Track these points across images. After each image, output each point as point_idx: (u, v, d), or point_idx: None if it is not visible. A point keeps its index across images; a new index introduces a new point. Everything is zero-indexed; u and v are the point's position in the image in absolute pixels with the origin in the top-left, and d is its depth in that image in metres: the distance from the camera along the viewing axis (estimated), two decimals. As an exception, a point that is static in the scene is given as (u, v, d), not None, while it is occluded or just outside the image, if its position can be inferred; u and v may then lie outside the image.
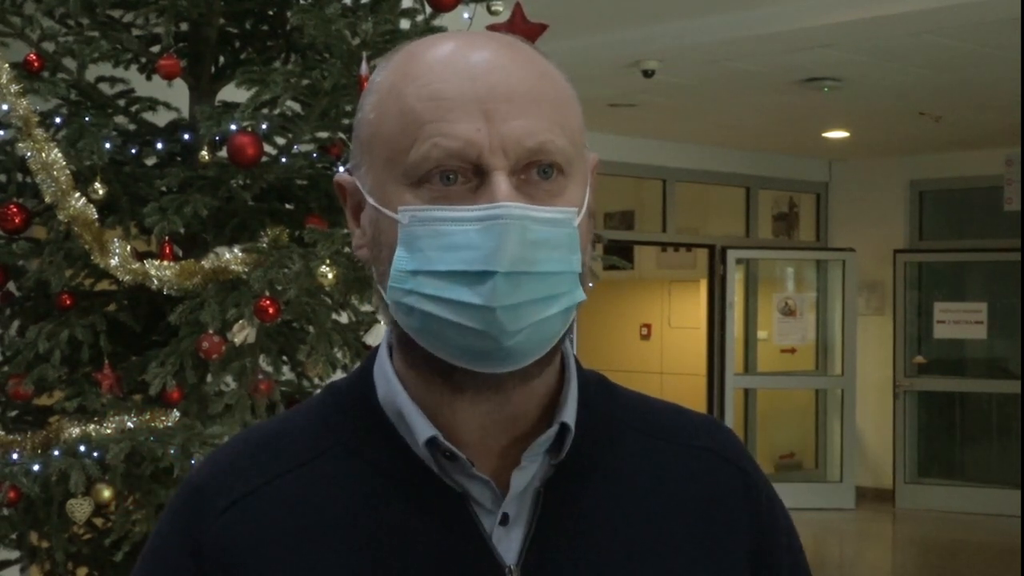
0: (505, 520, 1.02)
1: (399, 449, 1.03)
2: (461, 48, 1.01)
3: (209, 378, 2.67)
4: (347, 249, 2.44)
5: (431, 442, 1.01)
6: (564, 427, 1.04)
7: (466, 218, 0.96)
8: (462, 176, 0.97)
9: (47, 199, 2.57)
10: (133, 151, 2.82)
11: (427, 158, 0.97)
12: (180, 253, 2.81)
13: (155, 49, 2.88)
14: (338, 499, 1.03)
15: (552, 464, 1.04)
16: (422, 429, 1.02)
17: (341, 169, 1.11)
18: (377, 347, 1.09)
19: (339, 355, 2.72)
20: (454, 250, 0.96)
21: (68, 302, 2.75)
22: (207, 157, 2.68)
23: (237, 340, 2.53)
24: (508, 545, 1.02)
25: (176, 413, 2.63)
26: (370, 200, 1.02)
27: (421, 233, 0.97)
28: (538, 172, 0.98)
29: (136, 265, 2.57)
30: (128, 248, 2.60)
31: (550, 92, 1.01)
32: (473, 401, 1.02)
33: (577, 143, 1.02)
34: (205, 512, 1.04)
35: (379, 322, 2.81)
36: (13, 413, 2.89)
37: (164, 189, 2.78)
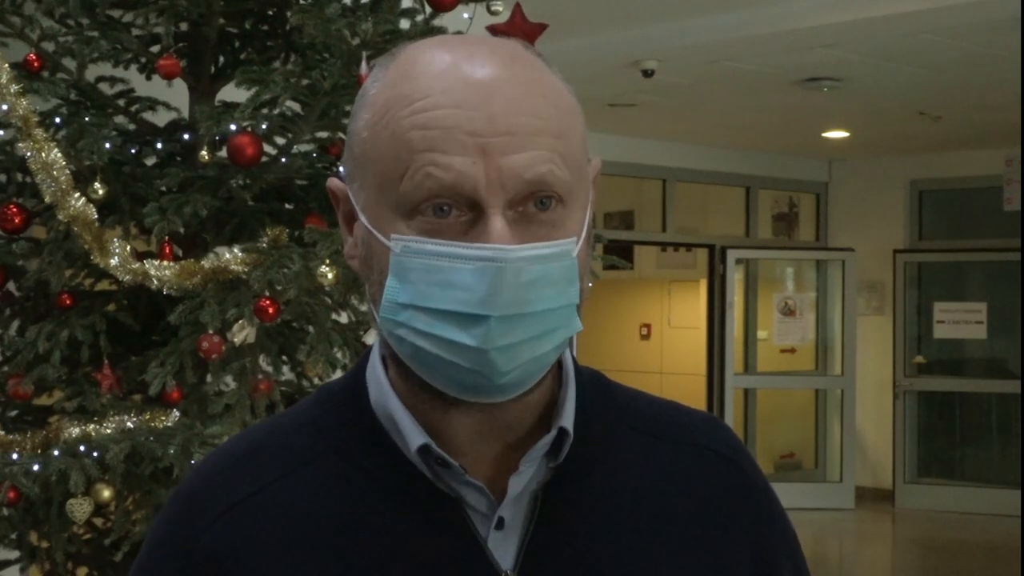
0: (501, 524, 1.01)
1: (392, 454, 1.02)
2: (459, 64, 0.96)
3: (209, 378, 2.67)
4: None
5: (423, 449, 1.00)
6: (562, 431, 1.02)
7: (460, 256, 0.93)
8: (456, 209, 0.94)
9: (47, 199, 2.57)
10: (133, 151, 2.82)
11: (420, 188, 0.94)
12: (180, 253, 2.81)
13: (155, 49, 2.88)
14: (331, 505, 1.01)
15: (550, 467, 1.03)
16: (414, 437, 1.00)
17: (342, 169, 1.09)
18: (369, 350, 1.08)
19: (339, 355, 2.72)
20: (447, 288, 0.93)
21: (68, 302, 2.75)
22: (207, 157, 2.68)
23: (237, 340, 2.53)
24: (505, 550, 1.01)
25: (176, 413, 2.63)
26: (363, 218, 1.00)
27: (414, 266, 0.95)
28: (536, 203, 0.95)
29: (136, 265, 2.57)
30: (128, 248, 2.60)
31: (552, 117, 0.96)
32: (466, 413, 1.00)
33: (579, 166, 0.99)
34: (197, 521, 1.03)
35: (379, 322, 2.81)
36: (13, 413, 2.89)
37: (164, 189, 2.78)
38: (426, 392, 1.00)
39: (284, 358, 2.94)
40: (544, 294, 0.95)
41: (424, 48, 1.00)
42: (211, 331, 2.53)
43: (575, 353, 1.12)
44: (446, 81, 0.95)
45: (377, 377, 1.05)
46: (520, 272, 0.93)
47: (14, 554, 2.92)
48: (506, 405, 0.99)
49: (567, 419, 1.03)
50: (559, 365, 1.06)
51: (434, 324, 0.94)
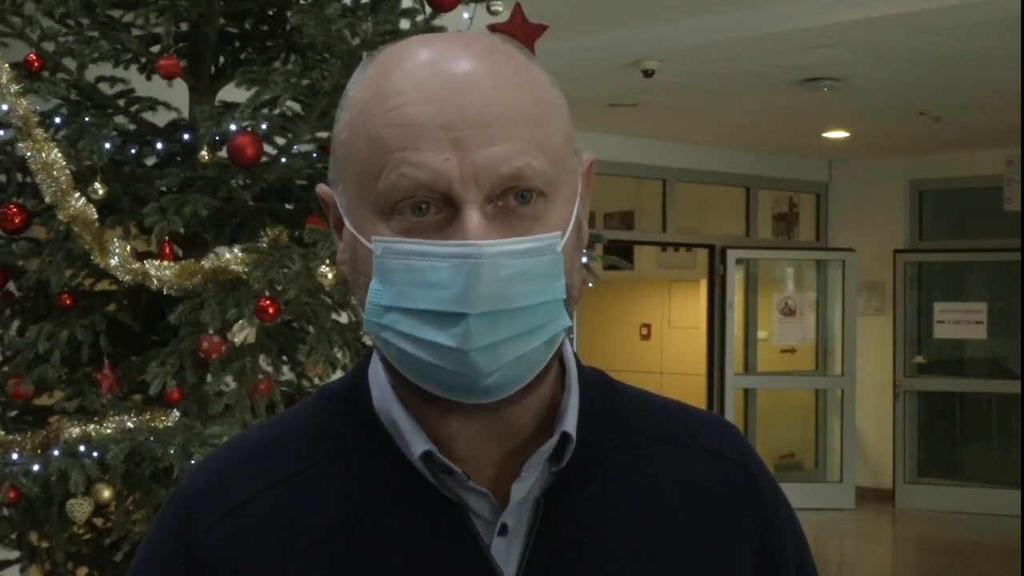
0: (504, 530, 1.00)
1: (395, 459, 1.01)
2: (435, 61, 0.95)
3: (209, 378, 2.67)
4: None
5: (426, 456, 0.99)
6: (565, 436, 1.01)
7: (437, 254, 0.91)
8: (434, 207, 0.93)
9: (47, 199, 2.57)
10: (133, 151, 2.82)
11: (396, 188, 0.93)
12: (180, 253, 2.81)
13: (155, 49, 2.88)
14: (334, 510, 1.00)
15: (553, 472, 1.02)
16: (416, 443, 0.99)
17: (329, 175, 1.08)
18: (371, 349, 1.06)
19: (339, 355, 2.72)
20: (426, 287, 0.92)
21: (68, 302, 2.75)
22: (207, 157, 2.68)
23: (237, 340, 2.53)
24: (507, 556, 1.00)
25: (176, 413, 2.63)
26: (346, 222, 0.99)
27: (394, 267, 0.93)
28: (516, 197, 0.93)
29: (136, 265, 2.57)
30: (128, 248, 2.60)
31: (529, 108, 0.94)
32: (464, 421, 0.99)
33: (561, 159, 0.97)
34: (198, 523, 1.01)
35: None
36: (13, 413, 2.89)
37: (164, 189, 2.78)
38: (421, 397, 0.98)
39: (284, 358, 2.94)
40: (525, 290, 0.92)
41: (401, 46, 0.99)
42: (211, 331, 2.53)
43: (575, 352, 1.11)
44: (419, 77, 0.94)
45: (379, 378, 1.03)
46: (498, 267, 0.91)
47: (14, 554, 2.92)
48: (505, 410, 0.97)
49: (570, 423, 1.02)
50: (561, 367, 1.05)
51: (414, 325, 0.93)
